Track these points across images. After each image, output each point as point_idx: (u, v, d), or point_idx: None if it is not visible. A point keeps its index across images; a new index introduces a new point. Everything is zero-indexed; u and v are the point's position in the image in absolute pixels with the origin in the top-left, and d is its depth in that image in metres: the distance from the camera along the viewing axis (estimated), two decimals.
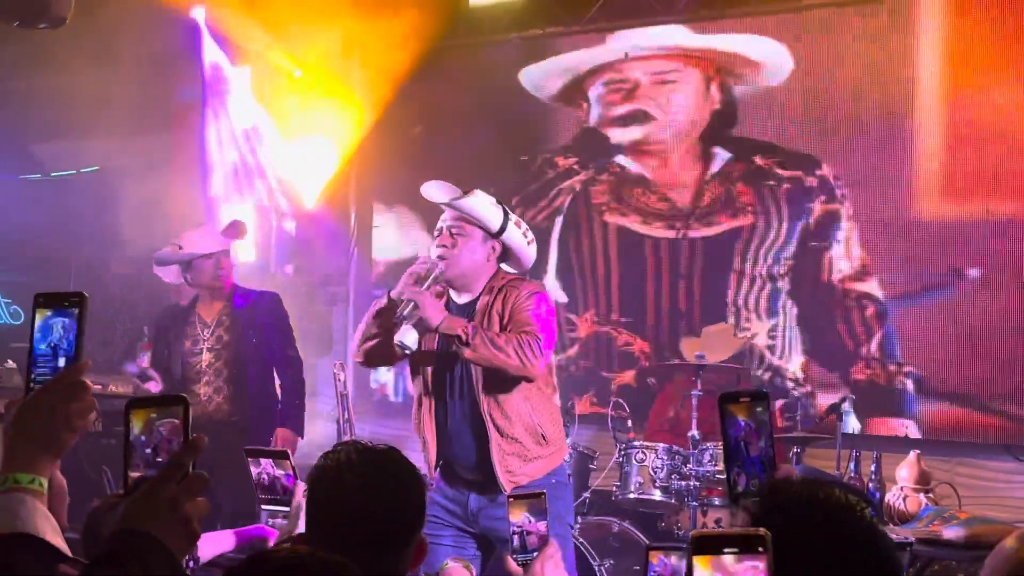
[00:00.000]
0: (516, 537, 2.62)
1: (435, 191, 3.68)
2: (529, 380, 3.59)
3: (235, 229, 5.47)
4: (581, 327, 6.89)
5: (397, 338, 3.51)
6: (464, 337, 3.45)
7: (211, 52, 7.22)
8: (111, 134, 7.29)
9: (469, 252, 3.64)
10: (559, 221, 7.04)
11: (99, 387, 6.02)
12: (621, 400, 5.83)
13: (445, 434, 3.68)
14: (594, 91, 6.98)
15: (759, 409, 1.81)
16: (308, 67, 7.32)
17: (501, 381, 3.59)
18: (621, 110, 6.88)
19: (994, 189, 5.88)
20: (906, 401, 6.05)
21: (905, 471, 4.57)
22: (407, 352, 3.57)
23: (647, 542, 5.15)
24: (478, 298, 3.65)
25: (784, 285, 6.36)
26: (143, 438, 1.50)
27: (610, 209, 6.85)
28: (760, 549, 1.54)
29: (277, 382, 5.36)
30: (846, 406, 5.43)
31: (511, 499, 2.64)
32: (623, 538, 5.19)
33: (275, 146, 7.31)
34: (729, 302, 6.46)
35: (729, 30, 6.65)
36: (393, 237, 7.62)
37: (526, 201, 7.09)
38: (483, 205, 3.65)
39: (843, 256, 6.21)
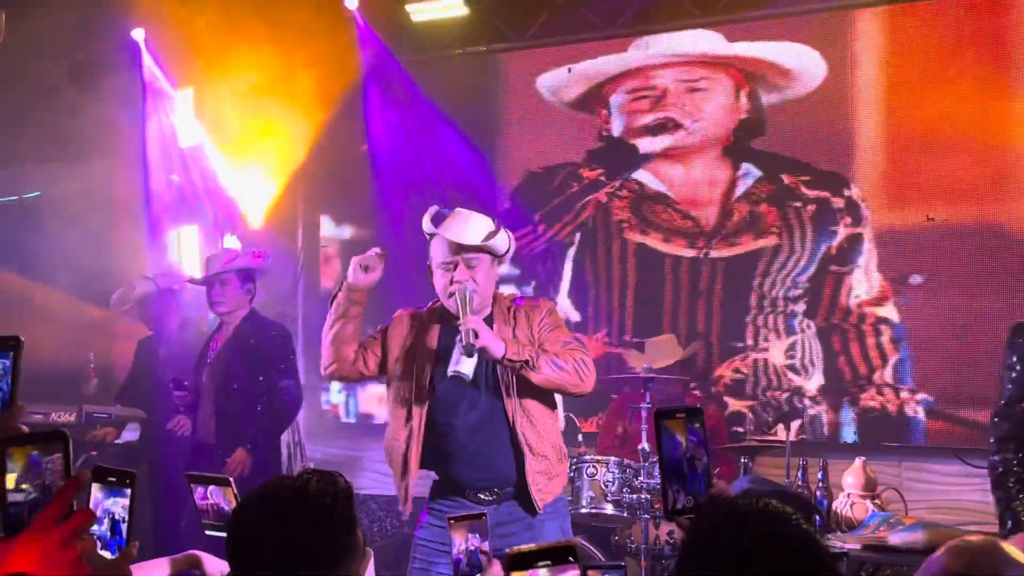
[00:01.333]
0: (463, 559, 2.61)
1: (470, 226, 3.58)
2: (582, 396, 3.65)
3: (254, 253, 5.60)
4: (592, 348, 6.77)
5: (454, 369, 3.42)
6: (531, 361, 3.47)
7: (152, 73, 7.15)
8: (52, 160, 7.21)
9: (486, 279, 3.61)
10: (576, 236, 6.95)
11: (40, 416, 5.94)
12: (571, 415, 5.83)
13: (455, 456, 3.59)
14: (616, 98, 6.88)
15: (695, 425, 1.82)
16: (251, 87, 7.26)
17: (534, 399, 3.60)
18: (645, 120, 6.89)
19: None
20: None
21: (851, 478, 4.59)
22: (463, 380, 3.46)
23: (602, 558, 5.15)
24: (490, 322, 3.61)
25: (801, 306, 6.31)
26: (24, 476, 1.47)
27: (631, 226, 6.75)
28: (571, 559, 1.57)
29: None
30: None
31: (452, 521, 2.63)
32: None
33: (219, 166, 7.24)
34: (748, 322, 6.41)
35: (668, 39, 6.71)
36: (342, 255, 7.59)
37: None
38: (504, 239, 3.65)
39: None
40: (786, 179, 6.38)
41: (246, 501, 2.07)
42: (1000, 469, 3.71)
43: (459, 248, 3.55)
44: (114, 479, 2.32)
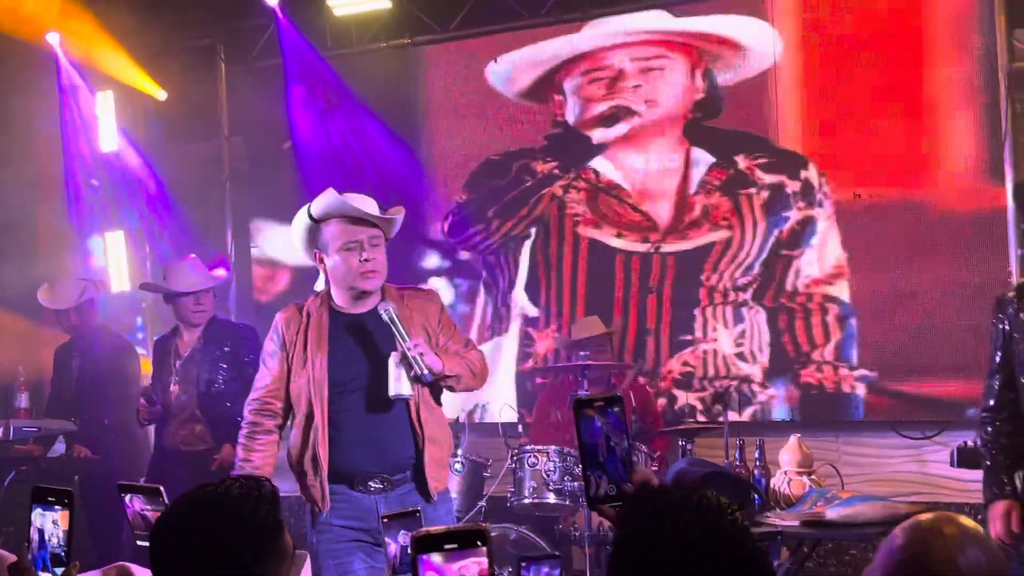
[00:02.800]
0: (397, 557, 2.59)
1: (367, 205, 3.60)
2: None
3: (220, 266, 5.68)
4: (540, 342, 6.77)
5: (397, 392, 3.49)
6: (461, 375, 3.61)
7: (69, 78, 7.00)
8: None
9: (384, 261, 3.64)
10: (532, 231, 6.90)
11: None
12: (512, 406, 5.82)
13: (347, 445, 3.57)
14: (569, 84, 6.80)
15: (614, 410, 1.82)
16: (171, 87, 7.15)
17: (432, 387, 3.64)
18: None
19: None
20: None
21: (787, 455, 4.63)
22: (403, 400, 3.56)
23: (546, 547, 5.14)
24: (375, 307, 3.62)
25: (750, 293, 6.30)
26: None
27: (585, 221, 6.69)
28: (479, 543, 1.57)
29: None
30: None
31: (386, 520, 2.60)
32: (522, 545, 5.17)
33: (142, 169, 7.11)
34: (697, 314, 6.40)
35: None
36: (273, 252, 7.50)
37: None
38: (402, 214, 3.70)
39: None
40: (741, 162, 6.33)
41: (167, 510, 2.05)
42: (986, 440, 3.84)
43: (367, 230, 3.56)
44: (52, 498, 2.27)
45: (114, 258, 7.27)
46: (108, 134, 7.11)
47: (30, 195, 7.29)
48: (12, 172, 7.27)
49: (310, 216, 3.61)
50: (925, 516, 1.96)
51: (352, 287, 3.61)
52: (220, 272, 5.63)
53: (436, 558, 1.60)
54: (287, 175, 7.10)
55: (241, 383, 5.35)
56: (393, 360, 3.51)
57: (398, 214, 3.67)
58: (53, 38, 6.91)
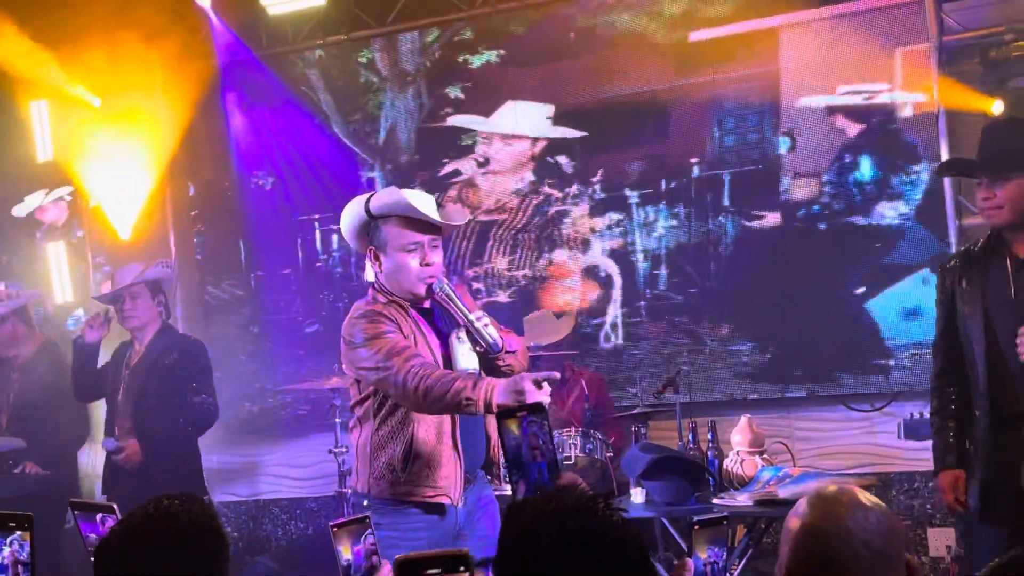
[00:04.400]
0: (353, 564, 2.57)
1: (429, 206, 3.46)
2: None
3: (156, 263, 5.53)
4: None
5: (464, 367, 3.35)
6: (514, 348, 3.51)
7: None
8: None
9: (441, 262, 3.53)
10: None
11: None
12: None
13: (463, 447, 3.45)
14: None
15: (534, 419, 1.85)
16: (107, 95, 7.04)
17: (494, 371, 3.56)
18: None
19: None
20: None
21: (739, 436, 4.68)
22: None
23: None
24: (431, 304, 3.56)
25: None
26: None
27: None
28: (462, 568, 1.57)
29: None
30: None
31: (335, 529, 2.58)
32: None
33: (81, 179, 7.00)
34: None
35: None
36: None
37: None
38: (464, 214, 3.67)
39: None
40: None
41: (108, 533, 2.05)
42: (934, 408, 3.93)
43: (428, 232, 3.44)
44: (13, 524, 2.23)
45: (58, 269, 7.17)
46: (44, 145, 7.00)
47: None
48: None
49: (368, 211, 3.49)
50: (831, 487, 2.05)
51: (409, 291, 3.48)
52: (158, 269, 5.49)
53: None
54: (227, 177, 7.07)
55: (175, 399, 5.34)
56: (456, 334, 3.41)
57: (460, 218, 3.56)
58: None
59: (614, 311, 6.42)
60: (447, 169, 6.74)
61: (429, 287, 3.46)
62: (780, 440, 5.13)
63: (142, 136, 6.91)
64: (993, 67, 5.59)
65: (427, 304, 3.54)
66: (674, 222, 6.28)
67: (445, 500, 3.41)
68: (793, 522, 1.99)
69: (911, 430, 5.26)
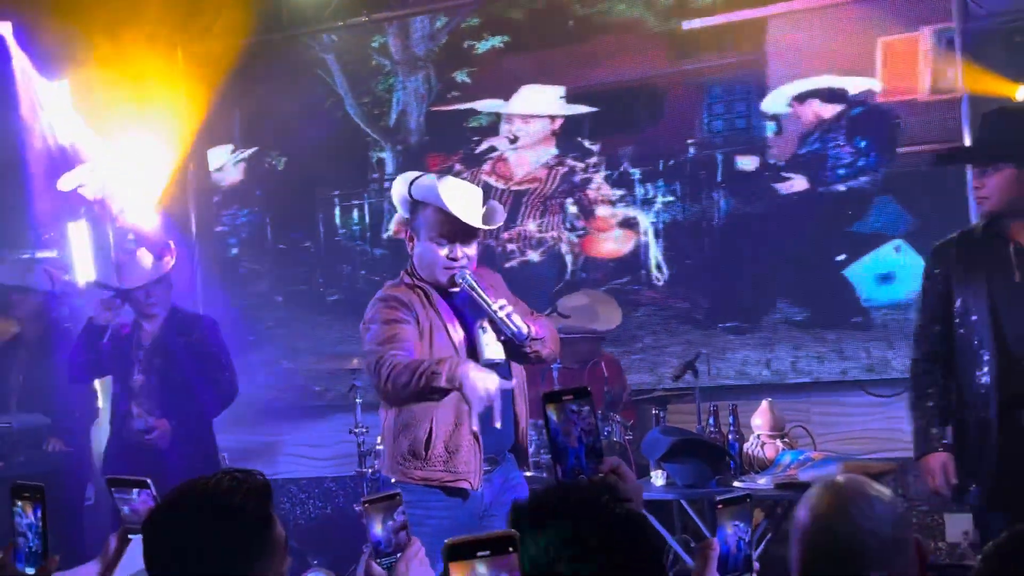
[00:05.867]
0: (383, 540, 2.59)
1: (471, 201, 3.47)
2: None
3: (163, 254, 5.49)
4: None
5: (489, 357, 3.39)
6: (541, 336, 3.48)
7: (22, 67, 6.89)
8: None
9: (475, 257, 3.54)
10: None
11: None
12: None
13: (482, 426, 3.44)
14: None
15: (581, 403, 1.86)
16: (129, 74, 7.05)
17: (519, 368, 3.59)
18: None
19: None
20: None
21: (759, 419, 4.70)
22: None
23: None
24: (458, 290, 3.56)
25: None
26: None
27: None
28: (511, 549, 1.57)
29: None
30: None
31: (367, 504, 2.61)
32: None
33: (102, 158, 7.03)
34: None
35: None
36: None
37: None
38: (502, 216, 3.65)
39: None
40: None
41: (158, 505, 2.09)
42: (919, 390, 3.89)
43: (466, 229, 3.45)
44: (27, 494, 2.29)
45: (79, 249, 7.20)
46: (66, 124, 7.02)
47: None
48: None
49: (410, 192, 3.52)
50: (827, 480, 2.06)
51: (433, 277, 3.52)
52: (167, 261, 5.50)
53: (469, 566, 1.59)
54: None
55: (206, 374, 5.38)
56: (480, 325, 3.44)
57: (495, 221, 3.56)
58: (5, 27, 6.80)
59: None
60: (483, 147, 6.84)
61: (452, 277, 3.50)
62: (800, 424, 5.13)
63: (164, 116, 6.94)
64: (1018, 52, 5.57)
65: (455, 290, 3.56)
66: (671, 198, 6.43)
67: (465, 485, 3.45)
68: (802, 513, 2.02)
69: None
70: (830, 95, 6.02)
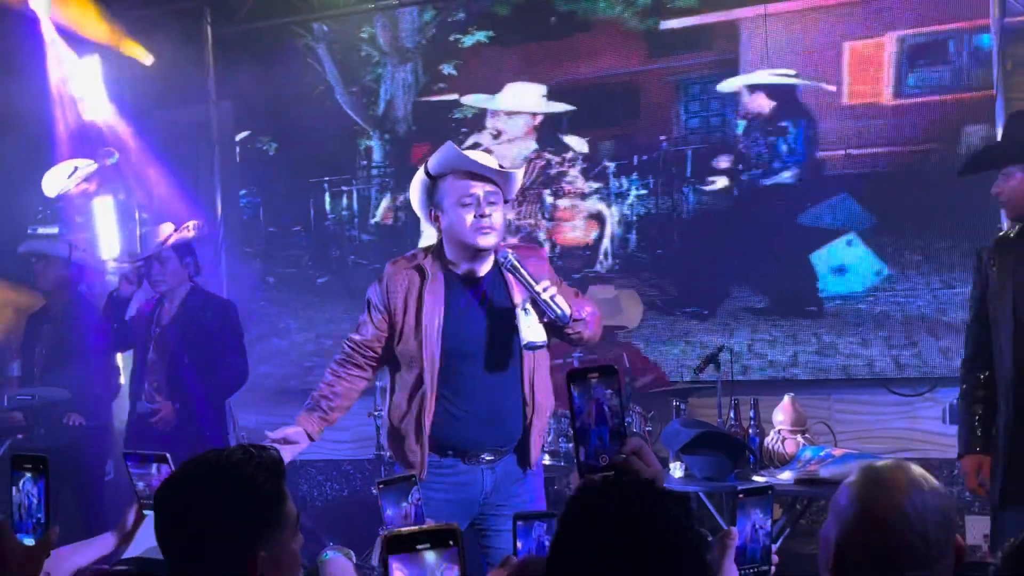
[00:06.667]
0: (398, 523, 2.59)
1: (486, 161, 3.43)
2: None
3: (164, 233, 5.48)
4: None
5: (530, 340, 3.28)
6: (583, 317, 3.38)
7: (55, 44, 6.91)
8: None
9: (502, 220, 3.43)
10: None
11: None
12: None
13: (466, 418, 3.43)
14: None
15: (609, 382, 1.82)
16: (158, 52, 7.08)
17: (543, 355, 3.49)
18: None
19: None
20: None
21: (781, 415, 4.66)
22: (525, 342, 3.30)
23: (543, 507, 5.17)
24: (491, 267, 3.49)
25: None
26: None
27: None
28: (451, 543, 1.55)
29: None
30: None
31: (382, 485, 2.60)
32: None
33: (131, 136, 7.06)
34: None
35: None
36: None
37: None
38: (521, 174, 3.58)
39: None
40: None
41: (169, 478, 2.06)
42: (963, 391, 3.91)
43: (482, 185, 3.38)
44: (29, 465, 2.28)
45: (103, 224, 7.24)
46: (97, 102, 7.05)
47: (17, 166, 7.21)
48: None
49: (427, 173, 3.47)
50: (870, 467, 1.96)
51: (467, 245, 3.41)
52: (166, 231, 5.46)
53: (409, 559, 1.59)
54: (278, 138, 7.13)
55: (209, 359, 5.37)
56: (521, 306, 3.33)
57: (516, 170, 3.51)
58: (40, 4, 6.82)
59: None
60: (468, 142, 6.84)
61: (495, 257, 3.45)
62: (821, 421, 5.09)
63: (192, 95, 6.96)
64: None
65: (481, 273, 3.50)
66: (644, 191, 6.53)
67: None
68: (847, 499, 1.91)
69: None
70: (783, 92, 6.13)
